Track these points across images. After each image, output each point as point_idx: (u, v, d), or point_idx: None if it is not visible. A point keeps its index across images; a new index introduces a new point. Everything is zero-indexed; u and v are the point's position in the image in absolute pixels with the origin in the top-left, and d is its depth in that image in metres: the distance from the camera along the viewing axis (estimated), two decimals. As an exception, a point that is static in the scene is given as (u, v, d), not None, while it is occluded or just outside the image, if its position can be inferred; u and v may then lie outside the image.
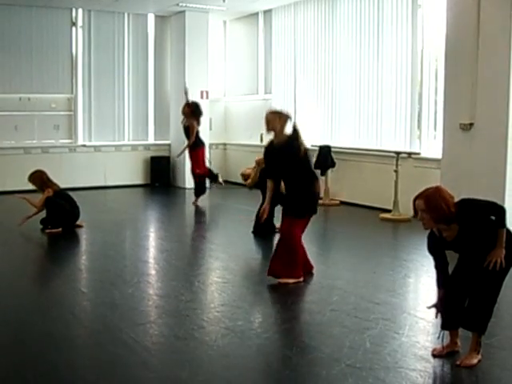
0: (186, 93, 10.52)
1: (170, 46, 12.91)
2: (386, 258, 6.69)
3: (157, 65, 12.95)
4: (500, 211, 3.66)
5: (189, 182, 11.46)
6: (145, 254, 7.19)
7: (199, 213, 10.23)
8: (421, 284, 5.91)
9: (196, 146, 10.33)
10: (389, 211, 8.94)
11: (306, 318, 4.92)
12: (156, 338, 4.29)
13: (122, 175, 12.45)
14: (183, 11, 12.14)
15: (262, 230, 7.66)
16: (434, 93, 8.86)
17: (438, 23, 8.38)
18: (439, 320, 3.96)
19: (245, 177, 8.10)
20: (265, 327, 4.54)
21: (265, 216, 5.78)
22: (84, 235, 7.91)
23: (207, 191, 10.88)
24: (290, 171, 5.56)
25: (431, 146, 8.84)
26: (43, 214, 7.93)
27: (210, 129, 12.48)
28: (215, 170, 11.12)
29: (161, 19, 12.88)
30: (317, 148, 9.90)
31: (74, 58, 12.17)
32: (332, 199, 10.17)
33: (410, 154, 8.96)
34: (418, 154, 8.89)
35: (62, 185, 8.22)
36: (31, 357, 3.93)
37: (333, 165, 10.11)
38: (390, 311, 4.82)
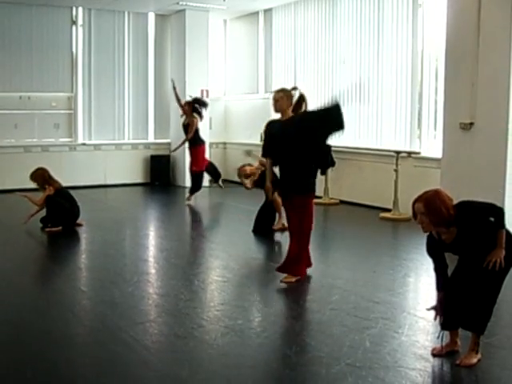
0: (173, 87, 10.53)
1: (170, 44, 12.90)
2: (386, 257, 6.69)
3: (157, 63, 12.95)
4: (499, 212, 3.66)
5: (189, 180, 11.46)
6: (145, 252, 7.19)
7: (199, 212, 10.23)
8: (421, 283, 5.91)
9: (196, 144, 10.34)
10: (389, 210, 8.94)
11: (305, 316, 4.92)
12: (156, 336, 4.29)
13: (121, 174, 12.44)
14: (183, 10, 12.14)
15: (262, 229, 7.66)
16: (434, 92, 8.85)
17: (438, 23, 8.38)
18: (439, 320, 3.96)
19: (245, 175, 8.04)
20: (264, 326, 4.53)
21: (270, 193, 5.95)
22: (84, 234, 7.91)
23: (207, 191, 10.88)
24: (300, 147, 5.51)
25: (431, 146, 8.84)
26: (43, 212, 7.95)
27: (210, 128, 12.47)
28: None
29: (161, 18, 12.88)
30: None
31: (74, 57, 12.17)
32: (332, 198, 10.18)
33: (410, 153, 8.96)
34: (418, 153, 8.89)
35: (62, 183, 8.21)
36: (31, 355, 3.93)
37: (333, 164, 10.07)
38: (389, 310, 4.81)
